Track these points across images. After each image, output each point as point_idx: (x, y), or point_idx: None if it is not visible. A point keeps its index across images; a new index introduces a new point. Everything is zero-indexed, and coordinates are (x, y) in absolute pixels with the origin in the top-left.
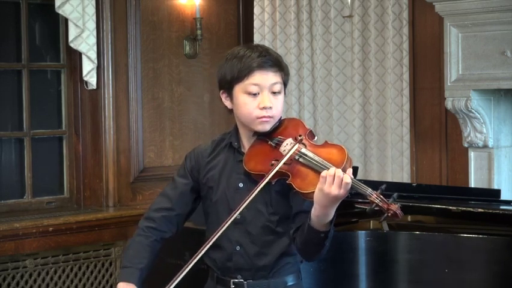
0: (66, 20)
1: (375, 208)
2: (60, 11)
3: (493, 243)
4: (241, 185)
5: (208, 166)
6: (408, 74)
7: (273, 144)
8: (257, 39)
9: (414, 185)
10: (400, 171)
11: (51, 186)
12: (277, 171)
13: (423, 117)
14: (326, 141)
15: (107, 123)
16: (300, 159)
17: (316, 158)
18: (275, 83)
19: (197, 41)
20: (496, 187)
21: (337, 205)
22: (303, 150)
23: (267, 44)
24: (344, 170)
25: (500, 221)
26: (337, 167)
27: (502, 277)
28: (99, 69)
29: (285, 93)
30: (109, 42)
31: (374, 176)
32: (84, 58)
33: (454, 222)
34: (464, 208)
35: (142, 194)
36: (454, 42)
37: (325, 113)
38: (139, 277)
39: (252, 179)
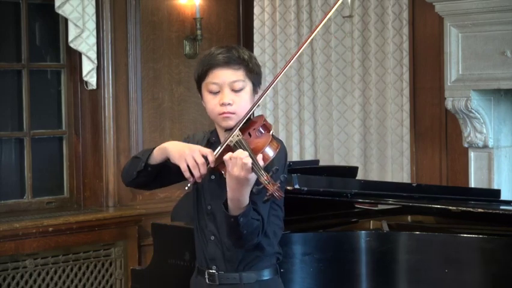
0: (66, 20)
1: (262, 189)
2: (60, 11)
3: (493, 243)
4: (212, 177)
5: None
6: (408, 74)
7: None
8: (257, 39)
9: (414, 185)
10: (400, 171)
11: (51, 186)
12: (222, 161)
13: (423, 117)
14: (265, 133)
15: (107, 123)
16: (235, 149)
17: (245, 145)
18: (235, 81)
19: (197, 41)
20: (496, 187)
21: (247, 189)
22: (239, 141)
23: (267, 44)
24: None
25: (500, 221)
26: (256, 153)
27: (502, 277)
28: (99, 69)
29: (257, 91)
30: (109, 42)
31: (374, 176)
32: (84, 58)
33: (454, 222)
34: (464, 208)
35: (142, 194)
36: (453, 42)
37: (325, 113)
38: None
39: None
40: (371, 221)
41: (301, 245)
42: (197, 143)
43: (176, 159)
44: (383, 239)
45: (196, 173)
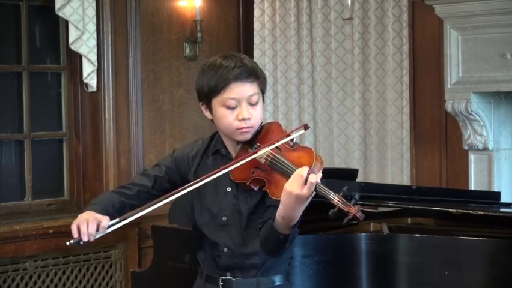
0: (66, 22)
1: (338, 212)
2: (60, 13)
3: (493, 245)
4: (229, 189)
5: (196, 169)
6: (408, 77)
7: (252, 151)
8: (257, 41)
9: (414, 187)
10: (400, 174)
11: (51, 188)
12: (257, 178)
13: (423, 119)
14: (298, 145)
15: (107, 125)
16: (273, 166)
17: (286, 162)
18: (252, 95)
19: (197, 43)
20: (496, 189)
21: (302, 208)
22: (275, 157)
23: (267, 46)
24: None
25: (500, 223)
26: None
27: (502, 280)
28: (99, 71)
29: (263, 100)
30: (109, 44)
31: (374, 179)
32: (84, 60)
33: (454, 224)
34: (464, 210)
35: None
36: (453, 44)
37: (325, 116)
38: (101, 210)
39: (238, 184)
40: (371, 223)
41: (301, 248)
42: (192, 159)
43: (73, 222)
44: (383, 241)
45: (83, 229)
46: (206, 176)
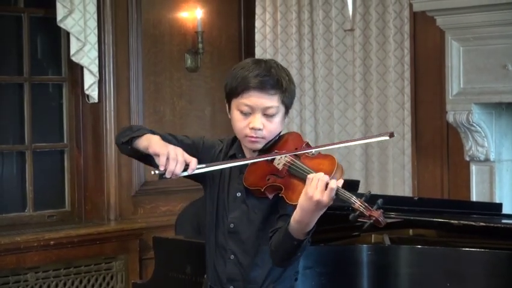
0: (68, 34)
1: (359, 216)
2: (62, 25)
3: (494, 257)
4: (238, 194)
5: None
6: (409, 88)
7: (269, 159)
8: (258, 52)
9: (415, 198)
10: (401, 185)
11: (52, 199)
12: (272, 185)
13: (425, 130)
14: (319, 153)
15: (109, 136)
16: (292, 171)
17: (306, 168)
18: (269, 107)
19: (198, 55)
20: (497, 201)
21: (319, 214)
22: (294, 163)
23: (268, 57)
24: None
25: (502, 234)
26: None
27: None
28: (100, 82)
29: (287, 113)
30: (111, 55)
31: (375, 190)
32: (85, 71)
33: (455, 236)
34: (466, 222)
35: (144, 207)
36: (455, 55)
37: (326, 126)
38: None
39: (251, 191)
40: (373, 235)
41: (303, 259)
42: (217, 155)
43: (157, 148)
44: (385, 253)
45: (171, 166)
46: (235, 160)
